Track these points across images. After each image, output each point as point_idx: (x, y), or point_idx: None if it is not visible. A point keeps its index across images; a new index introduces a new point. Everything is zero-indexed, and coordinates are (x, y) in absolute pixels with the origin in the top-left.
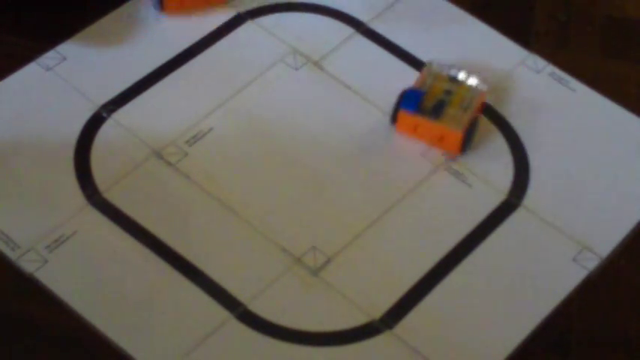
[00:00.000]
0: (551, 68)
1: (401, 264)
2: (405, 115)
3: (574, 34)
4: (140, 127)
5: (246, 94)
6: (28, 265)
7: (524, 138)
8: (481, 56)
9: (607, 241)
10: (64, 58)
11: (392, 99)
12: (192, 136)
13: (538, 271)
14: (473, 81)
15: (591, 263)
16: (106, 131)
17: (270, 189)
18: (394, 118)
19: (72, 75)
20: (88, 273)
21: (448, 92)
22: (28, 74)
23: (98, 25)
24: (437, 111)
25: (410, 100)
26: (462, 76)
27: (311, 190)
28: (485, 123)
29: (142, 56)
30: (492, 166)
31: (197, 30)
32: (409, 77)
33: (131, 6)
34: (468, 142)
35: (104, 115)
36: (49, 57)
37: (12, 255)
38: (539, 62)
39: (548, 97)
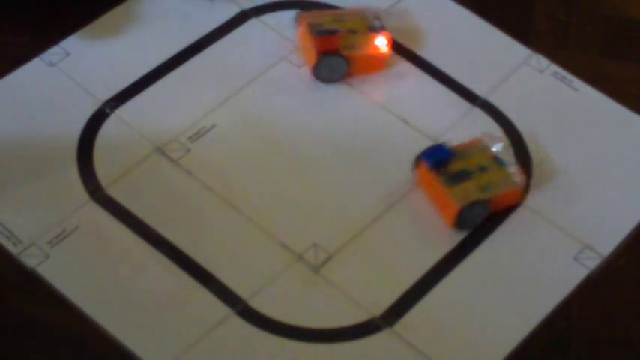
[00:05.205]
0: (554, 68)
1: (402, 262)
2: (422, 166)
3: (574, 34)
4: (143, 124)
5: (249, 91)
6: (29, 259)
7: (526, 137)
8: (485, 55)
9: (608, 240)
10: (68, 54)
11: (394, 97)
12: (194, 133)
13: (539, 269)
14: (513, 170)
15: (592, 262)
16: (109, 127)
17: (272, 186)
18: (415, 165)
19: (75, 71)
20: (89, 268)
21: (482, 169)
22: (32, 70)
23: (102, 21)
24: (455, 178)
25: (432, 155)
26: (507, 158)
27: (312, 187)
28: (487, 121)
29: (145, 52)
30: None
31: (201, 27)
32: (411, 75)
33: (135, 2)
34: (464, 221)
35: (107, 111)
36: (53, 53)
37: (14, 250)
38: (543, 62)
39: (550, 97)
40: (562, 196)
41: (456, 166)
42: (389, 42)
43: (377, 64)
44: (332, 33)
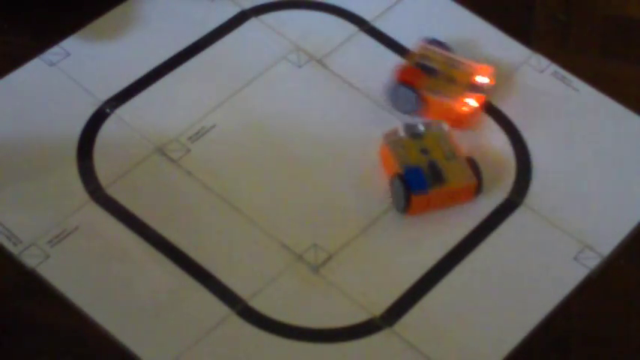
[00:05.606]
0: (554, 68)
1: (402, 262)
2: (419, 198)
3: (574, 34)
4: (143, 124)
5: (250, 91)
6: (29, 259)
7: (526, 137)
8: (485, 55)
9: (608, 240)
10: (68, 54)
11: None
12: (194, 133)
13: (539, 269)
14: (435, 127)
15: (592, 262)
16: (109, 127)
17: (272, 186)
18: (407, 206)
19: (75, 71)
20: (89, 268)
21: (425, 151)
22: (32, 70)
23: (102, 21)
24: (438, 176)
25: (418, 181)
26: (421, 128)
27: (312, 188)
28: (488, 121)
29: (146, 52)
30: (495, 165)
31: (201, 27)
32: None
33: (135, 2)
34: (481, 183)
35: (107, 110)
36: (53, 52)
37: (14, 250)
38: (543, 62)
39: (551, 97)
40: (562, 196)
41: (427, 172)
42: (479, 106)
43: (456, 119)
44: (427, 70)
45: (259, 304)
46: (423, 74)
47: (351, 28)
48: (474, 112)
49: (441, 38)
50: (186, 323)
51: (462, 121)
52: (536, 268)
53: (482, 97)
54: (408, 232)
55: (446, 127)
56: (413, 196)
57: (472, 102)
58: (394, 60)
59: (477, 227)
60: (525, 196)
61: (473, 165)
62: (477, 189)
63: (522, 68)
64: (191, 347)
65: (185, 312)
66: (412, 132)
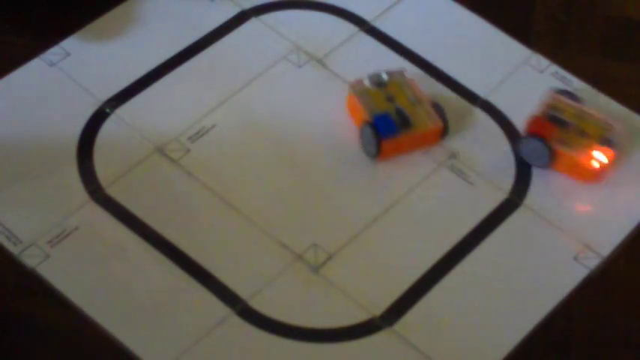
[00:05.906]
0: (554, 68)
1: (402, 262)
2: (388, 143)
3: (574, 34)
4: (143, 124)
5: (249, 91)
6: (29, 259)
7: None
8: (485, 55)
9: (608, 240)
10: (68, 54)
11: None
12: (194, 133)
13: (539, 269)
14: (397, 76)
15: (592, 262)
16: (109, 127)
17: (272, 186)
18: (377, 151)
19: (76, 71)
20: (89, 268)
21: (390, 99)
22: (32, 70)
23: (102, 21)
24: (406, 121)
25: (387, 127)
26: (385, 77)
27: (312, 188)
28: (487, 121)
29: (146, 52)
30: (494, 165)
31: (201, 27)
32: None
33: (135, 2)
34: (447, 126)
35: (107, 110)
36: (53, 52)
37: (14, 250)
38: (543, 62)
39: None
40: (562, 196)
41: (395, 118)
42: (609, 161)
43: (583, 173)
44: (559, 123)
45: (259, 304)
46: (554, 127)
47: (351, 28)
48: (604, 167)
49: (441, 38)
50: (186, 323)
51: (591, 176)
52: (536, 268)
53: (612, 152)
54: (408, 231)
55: (407, 74)
56: (383, 141)
57: (602, 157)
58: (394, 59)
59: (476, 227)
60: (525, 196)
61: (438, 109)
62: (443, 132)
63: (522, 68)
64: (191, 347)
65: (185, 312)
66: (377, 81)
